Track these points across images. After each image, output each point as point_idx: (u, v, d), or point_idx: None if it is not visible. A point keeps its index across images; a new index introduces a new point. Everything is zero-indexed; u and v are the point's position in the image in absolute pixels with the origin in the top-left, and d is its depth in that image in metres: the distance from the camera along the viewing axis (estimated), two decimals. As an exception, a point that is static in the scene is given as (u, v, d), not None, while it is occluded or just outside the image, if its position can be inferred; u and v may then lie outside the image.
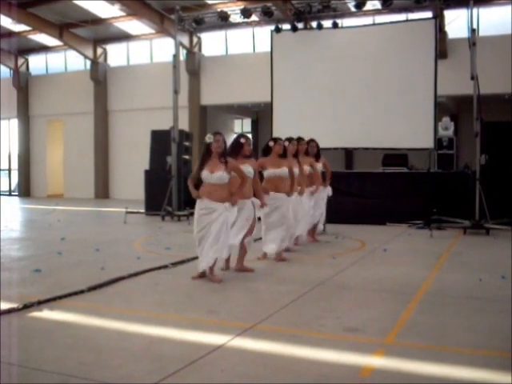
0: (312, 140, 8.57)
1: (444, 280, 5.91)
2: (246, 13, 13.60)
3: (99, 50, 20.91)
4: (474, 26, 10.40)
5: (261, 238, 7.19)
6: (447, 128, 13.09)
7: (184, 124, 16.84)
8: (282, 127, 13.04)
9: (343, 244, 8.77)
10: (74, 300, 4.97)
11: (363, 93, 12.86)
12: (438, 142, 12.69)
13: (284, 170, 7.03)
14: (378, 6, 12.96)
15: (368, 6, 12.99)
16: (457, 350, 3.66)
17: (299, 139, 8.09)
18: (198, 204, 5.78)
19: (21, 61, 22.63)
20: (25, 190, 22.87)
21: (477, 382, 3.17)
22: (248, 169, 6.15)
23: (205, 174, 5.70)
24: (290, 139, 7.69)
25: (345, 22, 15.44)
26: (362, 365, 3.38)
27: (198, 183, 5.81)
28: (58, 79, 22.10)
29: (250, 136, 6.80)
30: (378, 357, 3.52)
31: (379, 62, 12.78)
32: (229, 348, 3.69)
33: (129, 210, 12.42)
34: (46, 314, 4.54)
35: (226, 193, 5.72)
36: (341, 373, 3.27)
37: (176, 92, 13.04)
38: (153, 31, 19.57)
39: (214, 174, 5.66)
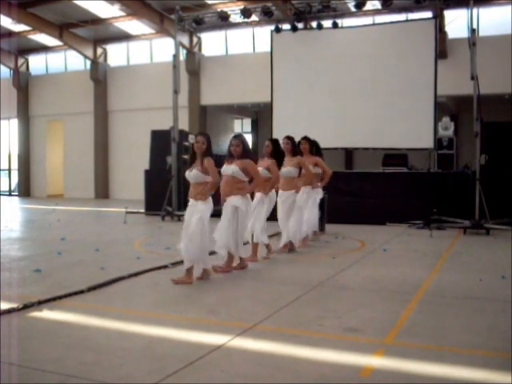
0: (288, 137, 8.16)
1: (444, 280, 5.91)
2: (246, 13, 13.60)
3: (99, 50, 20.91)
4: (474, 26, 10.40)
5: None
6: (447, 128, 13.11)
7: (184, 124, 16.84)
8: (282, 127, 13.03)
9: (343, 244, 8.77)
10: (74, 300, 4.97)
11: (363, 93, 12.87)
12: (438, 142, 12.70)
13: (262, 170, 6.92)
14: (378, 5, 12.96)
15: (368, 6, 12.98)
16: (456, 350, 3.66)
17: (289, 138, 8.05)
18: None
19: (21, 61, 22.63)
20: (25, 190, 22.87)
21: (477, 382, 3.17)
22: (231, 169, 6.16)
23: (186, 174, 5.88)
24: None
25: (345, 22, 15.44)
26: (362, 365, 3.38)
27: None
28: (58, 79, 22.10)
29: (243, 136, 6.67)
30: (377, 357, 3.52)
31: (379, 62, 12.78)
32: (229, 348, 3.69)
33: (129, 210, 12.43)
34: (46, 313, 4.54)
35: (202, 190, 5.73)
36: (341, 373, 3.27)
37: (176, 92, 13.04)
38: (153, 31, 19.57)
39: (191, 173, 5.78)
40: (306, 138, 8.38)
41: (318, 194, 8.78)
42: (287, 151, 7.60)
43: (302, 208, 7.91)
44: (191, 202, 5.81)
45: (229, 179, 6.16)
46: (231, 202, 6.14)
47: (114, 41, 20.81)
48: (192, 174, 5.76)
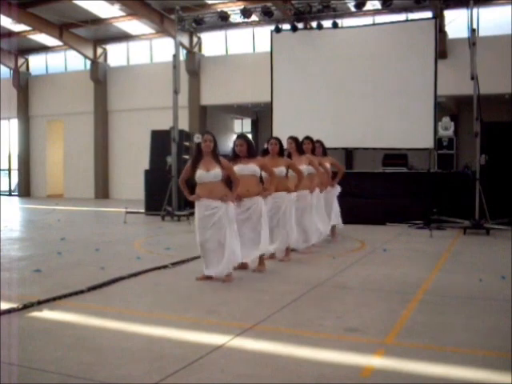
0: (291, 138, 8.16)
1: (444, 280, 5.91)
2: (246, 13, 13.60)
3: (99, 50, 20.92)
4: (474, 26, 10.38)
5: None
6: (447, 128, 13.09)
7: (184, 124, 16.85)
8: (282, 127, 13.03)
9: (343, 244, 8.76)
10: (74, 300, 4.97)
11: (363, 93, 12.86)
12: (438, 142, 12.69)
13: (280, 169, 6.86)
14: (378, 6, 12.96)
15: (368, 6, 12.98)
16: (457, 349, 3.66)
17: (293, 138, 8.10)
18: (199, 205, 5.74)
19: (21, 61, 22.64)
20: (25, 190, 22.87)
21: (477, 382, 3.17)
22: (252, 168, 6.16)
23: (200, 174, 5.69)
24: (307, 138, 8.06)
25: (345, 22, 15.44)
26: (363, 365, 3.38)
27: (193, 184, 5.85)
28: (58, 79, 22.11)
29: (247, 136, 6.65)
30: (378, 357, 3.52)
31: (379, 62, 12.78)
32: (229, 348, 3.69)
33: (129, 210, 12.42)
34: (46, 314, 4.54)
35: (224, 190, 5.72)
36: (341, 373, 3.26)
37: (176, 92, 13.04)
38: (153, 31, 19.58)
39: (210, 172, 5.66)
40: (308, 138, 8.30)
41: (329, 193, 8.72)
42: (292, 151, 7.60)
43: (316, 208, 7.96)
44: (215, 203, 5.62)
45: (249, 179, 6.10)
46: (260, 202, 6.16)
47: (114, 41, 20.81)
48: (212, 174, 5.64)
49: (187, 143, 13.97)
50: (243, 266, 6.36)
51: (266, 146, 7.20)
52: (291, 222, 7.00)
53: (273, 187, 6.53)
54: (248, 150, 6.21)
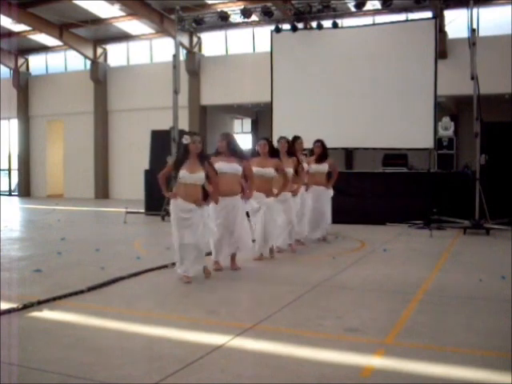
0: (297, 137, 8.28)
1: (444, 280, 5.91)
2: (246, 13, 13.59)
3: (99, 50, 20.91)
4: (474, 26, 10.39)
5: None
6: (447, 128, 13.09)
7: (184, 124, 16.84)
8: (282, 127, 13.02)
9: (343, 244, 8.77)
10: (74, 300, 4.97)
11: (363, 93, 12.85)
12: (438, 142, 12.68)
13: (267, 170, 6.97)
14: (378, 5, 12.94)
15: (368, 6, 12.96)
16: (457, 349, 3.66)
17: (296, 137, 8.17)
18: (175, 204, 5.74)
19: (21, 61, 22.63)
20: (25, 190, 22.87)
21: (477, 382, 3.17)
22: (234, 167, 6.27)
23: (183, 174, 5.71)
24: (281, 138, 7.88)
25: (345, 22, 15.44)
26: (363, 365, 3.38)
27: (169, 181, 5.98)
28: (58, 79, 22.11)
29: (230, 134, 6.76)
30: (378, 357, 3.52)
31: (379, 62, 12.77)
32: (229, 348, 3.69)
33: (129, 210, 12.42)
34: (46, 314, 4.54)
35: (200, 193, 5.78)
36: (341, 373, 3.26)
37: (176, 92, 13.05)
38: (153, 31, 19.58)
39: (194, 175, 5.69)
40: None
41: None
42: (283, 152, 7.61)
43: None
44: (190, 206, 5.66)
45: (231, 178, 6.23)
46: (237, 201, 6.27)
47: (114, 41, 20.81)
48: (195, 177, 5.67)
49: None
50: (218, 267, 6.38)
51: (256, 147, 7.27)
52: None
53: (252, 190, 6.50)
54: (227, 146, 6.28)
